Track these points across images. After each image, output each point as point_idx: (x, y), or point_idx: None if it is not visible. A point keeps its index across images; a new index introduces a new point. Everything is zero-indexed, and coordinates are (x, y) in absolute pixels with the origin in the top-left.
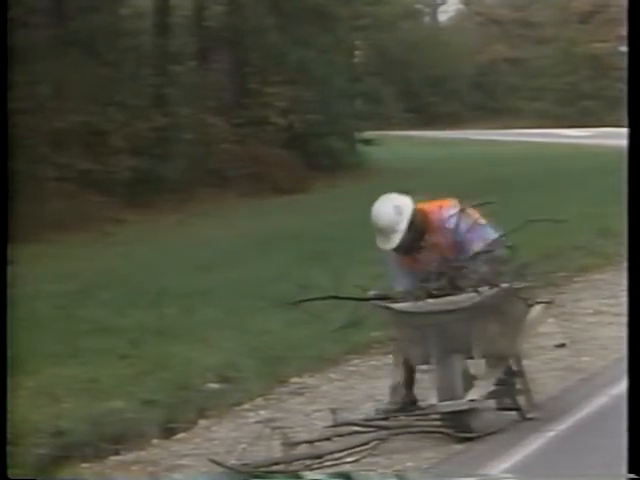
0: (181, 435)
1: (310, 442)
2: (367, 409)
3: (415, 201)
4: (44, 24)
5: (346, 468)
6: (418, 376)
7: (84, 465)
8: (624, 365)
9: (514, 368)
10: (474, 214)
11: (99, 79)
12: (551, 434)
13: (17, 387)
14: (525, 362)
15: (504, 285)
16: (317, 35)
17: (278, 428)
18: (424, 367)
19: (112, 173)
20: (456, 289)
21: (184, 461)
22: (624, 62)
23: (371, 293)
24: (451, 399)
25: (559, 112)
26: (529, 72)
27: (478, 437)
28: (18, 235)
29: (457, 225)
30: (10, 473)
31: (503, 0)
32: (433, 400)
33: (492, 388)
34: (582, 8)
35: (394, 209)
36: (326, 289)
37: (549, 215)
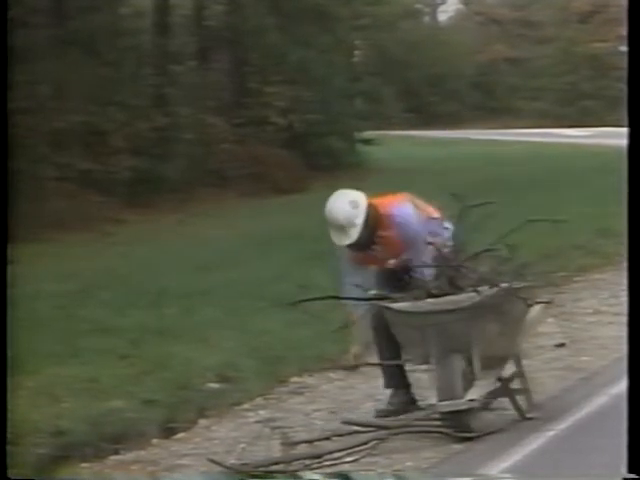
0: (181, 435)
1: (309, 442)
2: (367, 409)
3: (368, 197)
4: (44, 24)
5: (345, 468)
6: (418, 376)
7: (84, 465)
8: (624, 365)
9: (514, 368)
10: (427, 208)
11: (99, 79)
12: (551, 434)
13: (17, 387)
14: (525, 362)
15: (504, 285)
16: (317, 35)
17: (278, 428)
18: (424, 367)
19: (112, 173)
20: (455, 289)
21: (184, 461)
22: (624, 62)
23: (371, 293)
24: (451, 399)
25: (559, 112)
26: (529, 72)
27: (478, 437)
28: (18, 235)
29: (408, 220)
30: (10, 473)
31: (503, 0)
32: (433, 400)
33: (492, 388)
34: (582, 8)
35: (350, 204)
36: (326, 289)
37: (549, 215)
